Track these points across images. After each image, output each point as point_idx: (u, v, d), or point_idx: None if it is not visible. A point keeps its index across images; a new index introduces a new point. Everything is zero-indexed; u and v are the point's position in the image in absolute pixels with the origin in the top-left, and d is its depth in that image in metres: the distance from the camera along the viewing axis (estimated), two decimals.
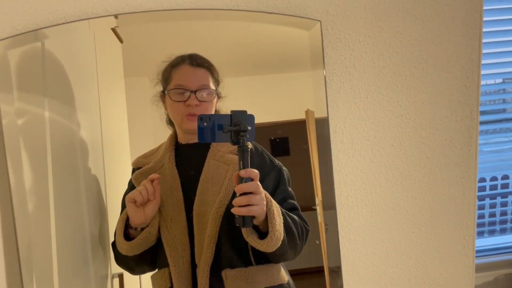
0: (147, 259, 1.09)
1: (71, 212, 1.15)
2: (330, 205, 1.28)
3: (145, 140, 1.22)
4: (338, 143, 1.31)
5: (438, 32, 1.31)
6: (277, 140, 1.27)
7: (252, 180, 0.90)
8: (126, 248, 1.05)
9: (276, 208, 0.97)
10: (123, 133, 1.22)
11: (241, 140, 0.88)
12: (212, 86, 1.11)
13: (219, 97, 1.14)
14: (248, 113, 0.91)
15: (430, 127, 1.35)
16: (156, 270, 1.11)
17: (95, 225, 1.19)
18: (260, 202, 0.90)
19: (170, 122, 1.16)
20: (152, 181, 1.04)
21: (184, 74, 1.09)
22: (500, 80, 1.66)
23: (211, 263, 1.03)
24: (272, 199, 0.97)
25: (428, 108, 1.34)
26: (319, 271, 1.31)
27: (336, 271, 1.30)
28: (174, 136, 1.16)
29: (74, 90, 1.15)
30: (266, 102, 1.27)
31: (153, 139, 1.21)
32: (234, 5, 1.20)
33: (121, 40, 1.41)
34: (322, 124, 1.28)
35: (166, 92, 1.11)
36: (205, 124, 0.91)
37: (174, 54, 1.13)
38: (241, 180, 0.88)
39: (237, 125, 0.89)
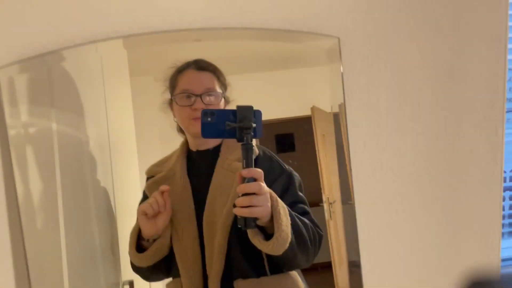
0: (161, 269, 1.07)
1: (80, 223, 1.15)
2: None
3: (152, 146, 1.22)
4: (357, 163, 1.27)
5: (461, 46, 1.26)
6: (283, 136, 1.24)
7: (255, 180, 0.85)
8: (139, 260, 1.03)
9: (283, 209, 0.92)
10: (130, 139, 1.21)
11: (245, 138, 0.83)
12: (218, 89, 1.09)
13: (226, 101, 1.11)
14: (254, 109, 0.86)
15: (453, 145, 1.30)
16: (171, 278, 1.10)
17: (105, 235, 1.19)
18: (263, 203, 0.85)
19: (181, 130, 1.14)
20: (162, 192, 1.01)
21: (190, 79, 1.08)
22: None
23: (221, 273, 1.00)
24: (278, 199, 0.92)
25: (451, 125, 1.30)
26: (327, 266, 1.28)
27: (356, 266, 1.26)
28: (186, 143, 1.14)
29: (81, 99, 1.15)
30: (271, 99, 1.24)
31: (160, 144, 1.20)
32: (248, 23, 1.16)
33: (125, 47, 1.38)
34: (339, 142, 1.23)
35: (172, 98, 1.09)
36: (209, 119, 0.86)
37: (180, 60, 1.11)
38: (243, 180, 0.84)
39: (240, 121, 0.83)
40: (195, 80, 1.07)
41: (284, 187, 1.06)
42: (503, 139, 1.30)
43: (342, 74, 1.21)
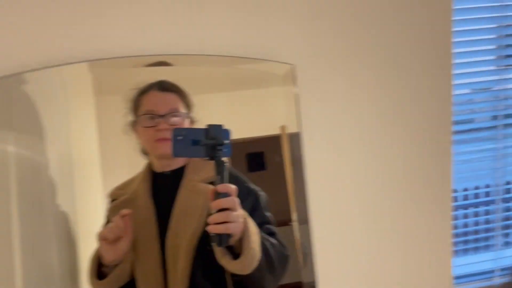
0: None
1: (37, 249, 1.10)
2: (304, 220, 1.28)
3: (118, 168, 1.18)
4: (315, 180, 1.30)
5: (410, 65, 1.33)
6: (253, 155, 1.25)
7: (229, 195, 0.85)
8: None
9: (253, 226, 0.92)
10: (94, 162, 1.18)
11: (218, 155, 0.84)
12: (183, 110, 1.09)
13: (192, 121, 1.11)
14: (224, 128, 0.87)
15: (404, 164, 1.36)
16: None
17: (65, 262, 1.14)
18: (238, 218, 0.85)
19: (145, 151, 1.13)
20: (123, 216, 0.99)
21: (153, 99, 1.07)
22: (468, 91, 1.68)
23: None
24: (248, 216, 0.91)
25: (403, 142, 1.36)
26: (296, 287, 1.28)
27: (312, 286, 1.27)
28: (150, 165, 1.12)
29: (42, 121, 1.12)
30: (241, 118, 1.25)
31: (127, 166, 1.16)
32: (203, 49, 1.19)
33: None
34: (297, 160, 1.26)
35: (136, 119, 1.08)
36: (179, 138, 0.87)
37: (143, 81, 1.11)
38: (217, 196, 0.83)
39: (213, 138, 0.85)
40: (159, 101, 1.07)
41: (251, 208, 1.06)
42: (450, 158, 1.37)
43: (296, 98, 1.25)
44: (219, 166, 0.85)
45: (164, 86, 1.09)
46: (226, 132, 0.87)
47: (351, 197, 1.34)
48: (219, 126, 0.87)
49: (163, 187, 1.09)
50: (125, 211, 1.00)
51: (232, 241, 0.87)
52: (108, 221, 1.08)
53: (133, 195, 1.09)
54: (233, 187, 0.85)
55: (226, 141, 0.86)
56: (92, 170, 1.19)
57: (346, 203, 1.34)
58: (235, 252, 0.91)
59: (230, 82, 1.26)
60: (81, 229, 1.16)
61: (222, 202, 0.83)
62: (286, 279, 1.18)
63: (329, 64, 1.28)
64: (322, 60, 1.28)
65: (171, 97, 1.08)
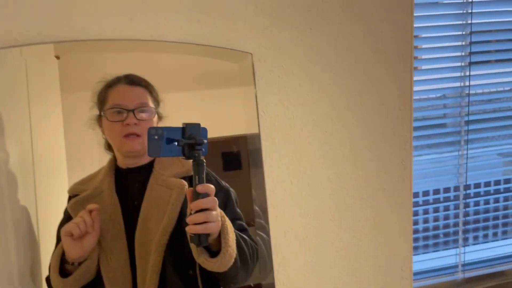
0: None
1: None
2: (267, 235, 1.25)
3: (85, 163, 1.13)
4: (274, 178, 1.28)
5: (370, 64, 1.31)
6: (229, 154, 1.23)
7: (208, 195, 0.84)
8: (62, 286, 0.95)
9: (229, 224, 0.92)
10: (59, 156, 1.12)
11: (196, 154, 0.83)
12: (151, 104, 1.05)
13: (159, 117, 1.07)
14: (201, 126, 0.86)
15: (365, 160, 1.34)
16: None
17: (24, 261, 1.08)
18: (217, 218, 0.85)
19: (109, 147, 1.08)
20: (90, 212, 0.95)
21: (121, 93, 1.03)
22: (437, 95, 1.70)
23: None
24: (224, 214, 0.92)
25: (363, 141, 1.33)
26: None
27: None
28: (114, 160, 1.08)
29: (0, 112, 1.05)
30: (216, 116, 1.22)
31: (95, 161, 1.11)
32: (160, 35, 1.14)
33: (57, 57, 1.31)
34: (256, 157, 1.24)
35: (102, 113, 1.03)
36: (155, 137, 0.83)
37: (110, 74, 1.06)
38: (196, 196, 0.82)
39: (192, 138, 0.83)
40: (127, 95, 1.03)
41: (223, 204, 1.05)
42: (411, 153, 1.36)
43: (255, 89, 1.22)
44: (198, 166, 0.83)
45: (132, 80, 1.05)
46: (204, 131, 0.86)
47: (311, 196, 1.32)
48: (197, 124, 0.85)
49: (128, 182, 1.06)
50: (92, 206, 0.96)
51: (210, 240, 0.87)
52: (66, 217, 1.03)
53: (96, 190, 1.05)
54: (212, 187, 0.84)
55: (205, 140, 0.84)
56: (57, 165, 1.14)
57: (306, 201, 1.31)
58: (211, 250, 0.91)
59: (197, 80, 1.24)
60: (43, 225, 1.10)
61: (202, 203, 0.82)
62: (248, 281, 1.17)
63: (288, 56, 1.25)
64: (281, 51, 1.24)
65: (139, 91, 1.05)
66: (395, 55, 1.31)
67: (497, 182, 1.94)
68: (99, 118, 1.05)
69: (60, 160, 1.13)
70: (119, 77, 1.05)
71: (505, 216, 1.96)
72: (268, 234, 1.26)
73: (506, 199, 1.99)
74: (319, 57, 1.27)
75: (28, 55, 1.08)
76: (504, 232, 2.01)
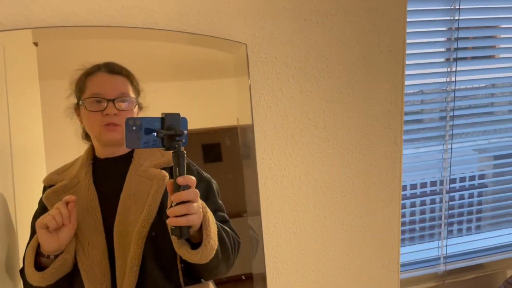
0: None
1: None
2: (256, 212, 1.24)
3: (64, 152, 1.10)
4: (265, 170, 1.27)
5: (363, 57, 1.31)
6: (210, 146, 1.21)
7: (189, 187, 0.82)
8: (38, 280, 0.91)
9: (211, 216, 0.90)
10: (38, 144, 1.10)
11: (177, 145, 0.80)
12: (132, 94, 1.02)
13: (140, 107, 1.04)
14: (182, 117, 0.83)
15: (356, 153, 1.34)
16: None
17: (1, 252, 1.05)
18: (198, 210, 0.83)
19: (86, 136, 1.05)
20: (67, 203, 0.91)
21: (101, 82, 0.99)
22: (418, 90, 1.73)
23: (135, 287, 0.93)
24: (206, 205, 0.90)
25: (354, 133, 1.34)
26: (248, 277, 1.26)
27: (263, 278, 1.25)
28: (92, 150, 1.04)
29: None
30: (198, 108, 1.20)
31: (74, 150, 1.08)
32: (152, 23, 1.12)
33: (35, 44, 1.26)
34: (248, 150, 1.23)
35: (81, 102, 0.99)
36: (133, 128, 0.80)
37: (89, 62, 1.02)
38: (177, 188, 0.80)
39: (171, 129, 0.80)
40: (107, 84, 0.99)
41: (204, 195, 1.03)
42: (401, 146, 1.37)
43: (249, 80, 1.21)
44: (179, 157, 0.81)
45: (112, 68, 1.01)
46: (184, 122, 0.83)
47: (302, 188, 1.32)
48: (177, 115, 0.82)
49: (106, 173, 1.02)
50: (70, 197, 0.92)
51: (192, 232, 0.85)
52: (41, 208, 1.00)
53: (74, 181, 1.01)
54: (193, 178, 0.82)
55: (185, 131, 0.81)
56: (35, 153, 1.11)
57: (297, 194, 1.31)
58: (192, 242, 0.89)
59: (184, 71, 1.21)
60: (21, 216, 1.08)
61: (183, 195, 0.81)
62: (238, 271, 1.16)
63: (282, 48, 1.24)
64: (275, 42, 1.23)
65: (120, 80, 1.01)
66: (387, 49, 1.32)
67: (480, 177, 1.99)
68: (77, 107, 1.02)
69: (38, 149, 1.10)
70: (99, 65, 1.01)
71: (479, 211, 2.02)
72: (260, 225, 1.25)
73: (480, 194, 2.05)
74: (313, 49, 1.26)
75: (6, 41, 1.04)
76: (478, 227, 2.07)
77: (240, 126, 1.22)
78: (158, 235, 0.95)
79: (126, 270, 0.94)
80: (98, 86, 0.99)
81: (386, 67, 1.33)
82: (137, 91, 1.04)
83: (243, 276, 1.21)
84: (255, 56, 1.22)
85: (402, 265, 1.83)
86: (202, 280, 1.03)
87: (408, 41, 1.56)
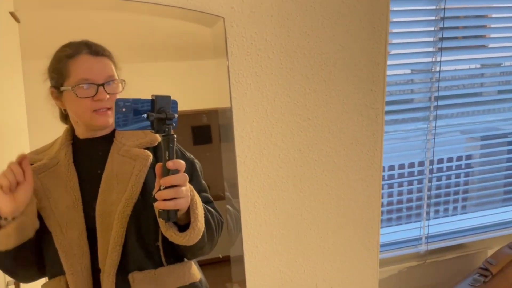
0: (27, 260, 0.95)
1: None
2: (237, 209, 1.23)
3: (48, 132, 1.07)
4: (244, 148, 1.25)
5: (345, 34, 1.28)
6: (199, 128, 1.19)
7: (178, 171, 0.81)
8: None
9: (198, 199, 0.90)
10: (21, 124, 1.09)
11: (167, 129, 0.79)
12: (117, 76, 0.98)
13: (123, 86, 1.00)
14: (172, 99, 0.81)
15: (337, 131, 1.33)
16: (47, 279, 0.98)
17: None
18: (186, 194, 0.83)
19: (65, 118, 1.02)
20: (20, 161, 0.89)
21: (87, 66, 0.95)
22: (408, 71, 1.71)
23: (117, 266, 0.93)
24: (193, 189, 0.90)
25: (335, 112, 1.32)
26: (227, 260, 1.27)
27: (241, 262, 1.25)
28: (71, 130, 1.02)
29: None
30: (186, 89, 1.17)
31: (58, 129, 1.04)
32: None
33: (17, 20, 1.21)
34: (227, 129, 1.20)
35: (66, 88, 0.95)
36: (123, 109, 0.78)
37: (64, 43, 0.97)
38: (166, 172, 0.80)
39: (162, 111, 0.78)
40: (94, 68, 0.95)
41: (188, 176, 1.02)
42: (382, 125, 1.36)
43: (227, 56, 1.17)
44: (169, 141, 0.79)
45: (95, 50, 0.96)
46: (174, 104, 0.81)
47: (282, 167, 1.30)
48: (167, 97, 0.80)
49: (87, 153, 1.00)
50: (22, 155, 0.90)
51: (179, 215, 0.85)
52: None
53: (52, 161, 0.99)
54: (182, 163, 0.82)
55: (176, 114, 0.80)
56: (18, 134, 1.11)
57: (277, 173, 1.30)
58: (179, 224, 0.89)
59: (169, 51, 1.18)
60: None
61: (173, 179, 0.80)
62: (216, 253, 1.16)
63: (261, 22, 1.21)
64: (254, 17, 1.20)
65: (105, 62, 0.97)
66: (370, 26, 1.29)
67: (467, 158, 2.00)
68: (55, 92, 0.98)
69: (21, 129, 1.09)
70: (78, 46, 0.96)
71: (465, 192, 2.03)
72: (238, 206, 1.24)
73: (467, 174, 2.05)
74: (294, 25, 1.23)
75: None
76: (464, 207, 2.08)
77: (219, 109, 1.20)
78: (141, 215, 0.94)
79: (109, 249, 0.93)
80: (85, 71, 0.94)
81: (368, 44, 1.30)
82: (118, 69, 1.01)
83: (220, 255, 1.20)
84: (233, 31, 1.18)
85: (384, 245, 1.84)
86: (184, 259, 1.03)
87: (394, 19, 1.54)
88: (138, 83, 1.04)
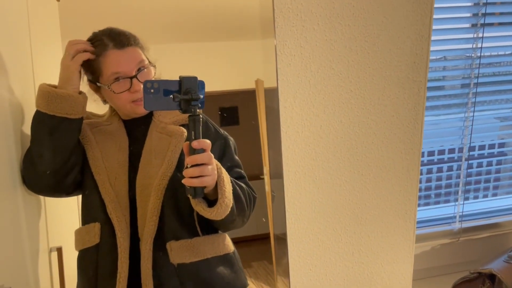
0: (69, 144, 0.99)
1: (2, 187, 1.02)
2: (278, 174, 1.26)
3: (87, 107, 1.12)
4: (287, 118, 1.28)
5: (390, 6, 1.28)
6: (227, 109, 1.23)
7: (204, 150, 0.84)
8: (41, 102, 0.97)
9: (226, 176, 0.94)
10: None
11: (193, 109, 0.81)
12: (146, 60, 1.03)
13: (153, 66, 1.06)
14: (199, 80, 0.83)
15: (378, 104, 1.34)
16: (80, 226, 1.06)
17: (30, 197, 1.08)
18: (212, 172, 0.86)
19: (106, 101, 1.09)
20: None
21: (116, 61, 0.99)
22: (441, 57, 1.69)
23: (154, 235, 0.99)
24: (221, 166, 0.93)
25: (377, 84, 1.33)
26: (266, 237, 1.31)
27: (282, 238, 1.29)
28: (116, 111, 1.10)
29: (2, 52, 1.02)
30: (215, 70, 1.21)
31: (94, 107, 1.11)
32: None
33: None
34: (272, 98, 1.23)
35: (102, 85, 1.01)
36: (151, 91, 0.82)
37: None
38: (192, 151, 0.83)
39: (188, 92, 0.81)
40: (124, 61, 0.99)
41: (221, 152, 1.07)
42: (424, 99, 1.36)
43: (274, 27, 1.20)
44: (193, 121, 0.82)
45: (120, 42, 1.00)
46: (201, 85, 0.83)
47: (323, 138, 1.33)
48: (194, 78, 0.82)
49: (130, 130, 1.08)
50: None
51: (207, 191, 0.89)
52: None
53: (107, 120, 1.09)
54: (208, 142, 0.85)
55: (202, 96, 0.82)
56: None
57: (318, 143, 1.32)
58: (208, 199, 0.93)
59: (202, 31, 1.20)
60: None
61: (198, 158, 0.83)
62: (256, 230, 1.20)
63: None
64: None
65: (132, 52, 1.01)
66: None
67: (500, 145, 1.97)
68: (94, 86, 1.05)
69: None
70: (103, 42, 1.00)
71: (496, 179, 2.01)
72: (281, 176, 1.27)
73: (499, 162, 2.03)
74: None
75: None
76: (495, 194, 2.06)
77: (265, 89, 1.21)
78: (176, 188, 0.99)
79: (146, 219, 0.99)
80: (115, 66, 0.99)
81: (413, 16, 1.30)
82: (145, 50, 1.06)
83: (263, 219, 1.24)
84: (280, 2, 1.20)
85: (419, 222, 1.85)
86: (219, 232, 1.09)
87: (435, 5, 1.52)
88: (188, 62, 1.07)
